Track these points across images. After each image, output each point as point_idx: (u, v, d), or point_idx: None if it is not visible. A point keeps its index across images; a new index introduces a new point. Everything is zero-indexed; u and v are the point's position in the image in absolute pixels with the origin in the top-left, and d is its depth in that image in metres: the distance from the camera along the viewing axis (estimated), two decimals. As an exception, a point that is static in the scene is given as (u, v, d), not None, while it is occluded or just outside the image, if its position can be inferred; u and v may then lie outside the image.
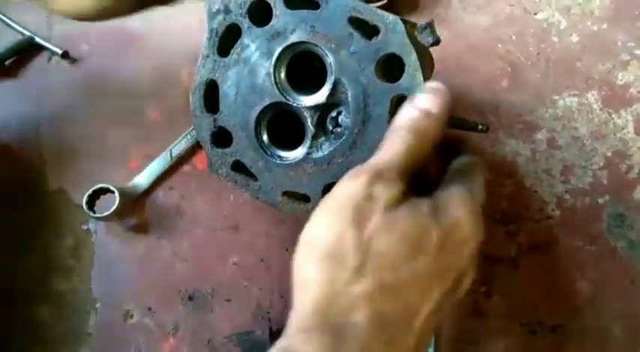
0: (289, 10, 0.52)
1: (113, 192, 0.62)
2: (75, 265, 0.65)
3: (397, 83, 0.49)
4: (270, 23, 0.52)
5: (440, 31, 0.78)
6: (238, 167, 0.57)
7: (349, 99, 0.50)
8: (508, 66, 0.82)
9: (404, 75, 0.49)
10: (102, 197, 0.62)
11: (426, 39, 0.68)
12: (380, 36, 0.49)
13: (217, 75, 0.55)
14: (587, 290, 0.66)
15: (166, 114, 0.72)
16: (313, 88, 0.54)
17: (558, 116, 0.76)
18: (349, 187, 0.42)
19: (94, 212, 0.62)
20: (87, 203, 0.60)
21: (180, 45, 0.81)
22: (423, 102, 0.46)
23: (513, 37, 0.84)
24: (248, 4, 0.53)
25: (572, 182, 0.72)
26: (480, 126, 0.69)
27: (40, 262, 0.65)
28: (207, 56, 0.55)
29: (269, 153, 0.55)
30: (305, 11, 0.51)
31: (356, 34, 0.50)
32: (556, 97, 0.79)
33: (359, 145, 0.51)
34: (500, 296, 0.65)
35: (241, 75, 0.53)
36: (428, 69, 0.54)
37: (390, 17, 0.50)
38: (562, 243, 0.68)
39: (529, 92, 0.79)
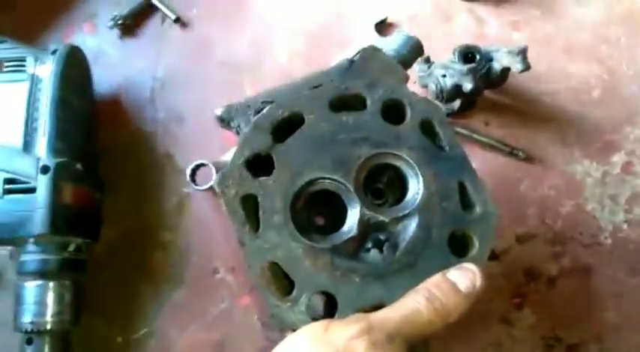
0: (420, 132, 0.53)
1: (210, 167, 0.72)
2: (178, 221, 0.75)
3: (459, 258, 0.51)
4: (400, 126, 0.53)
5: (542, 24, 0.82)
6: (248, 203, 0.52)
7: (406, 239, 0.51)
8: (605, 73, 0.82)
9: (468, 256, 0.51)
10: (202, 168, 0.78)
11: (515, 65, 0.72)
12: (472, 214, 0.52)
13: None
14: (614, 320, 0.71)
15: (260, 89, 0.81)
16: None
17: (643, 138, 0.80)
18: (340, 330, 0.44)
19: (196, 183, 0.78)
20: (190, 176, 0.76)
21: (280, 17, 0.86)
22: (455, 276, 0.49)
23: (622, 39, 0.84)
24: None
25: (635, 212, 0.75)
26: (519, 153, 0.76)
27: (152, 215, 0.75)
28: (320, 98, 0.53)
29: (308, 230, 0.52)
30: (431, 143, 0.53)
31: (457, 197, 0.52)
32: (647, 116, 0.80)
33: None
34: (530, 310, 0.71)
35: (330, 136, 0.52)
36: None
37: (491, 206, 0.53)
38: (604, 271, 0.73)
39: (619, 107, 0.79)
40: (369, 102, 0.54)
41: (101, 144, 0.78)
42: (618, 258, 0.74)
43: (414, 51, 0.66)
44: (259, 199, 0.51)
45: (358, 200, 0.52)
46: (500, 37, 0.83)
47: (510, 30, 0.83)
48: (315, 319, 0.48)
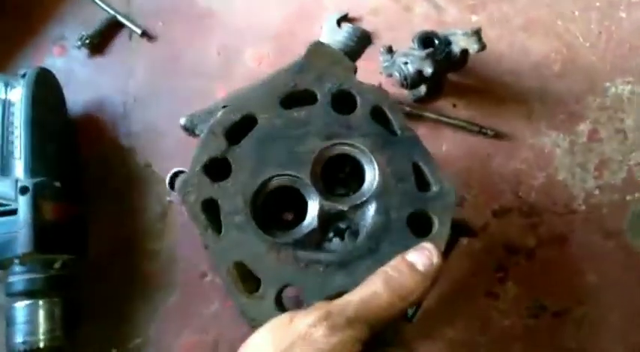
0: (371, 120, 0.53)
1: (188, 173, 0.79)
2: (163, 229, 0.75)
3: (420, 238, 0.51)
4: (350, 116, 0.54)
5: (498, 5, 0.84)
6: (210, 207, 0.52)
7: (366, 224, 0.51)
8: (564, 47, 0.82)
9: (430, 236, 0.51)
10: (181, 175, 0.79)
11: (472, 46, 0.74)
12: (429, 194, 0.52)
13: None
14: (594, 283, 0.73)
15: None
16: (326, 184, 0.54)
17: (606, 105, 0.78)
18: (302, 319, 0.44)
19: (174, 189, 0.80)
20: (169, 183, 0.77)
21: (245, 22, 0.86)
22: (413, 257, 0.48)
23: (576, 13, 0.85)
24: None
25: (605, 177, 0.76)
26: (487, 131, 0.77)
27: (138, 226, 0.75)
28: (270, 95, 0.54)
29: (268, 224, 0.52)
30: (383, 129, 0.53)
31: (413, 178, 0.53)
32: (608, 84, 0.79)
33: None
34: (513, 283, 0.72)
35: (284, 132, 0.53)
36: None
37: (447, 183, 0.53)
38: (580, 238, 0.74)
39: (580, 78, 0.80)
40: (318, 96, 0.54)
41: (82, 160, 0.79)
42: (593, 223, 0.75)
43: (360, 41, 0.67)
44: (219, 202, 0.51)
45: (317, 192, 0.52)
46: (459, 21, 0.83)
47: (469, 14, 0.83)
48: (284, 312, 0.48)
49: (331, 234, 0.53)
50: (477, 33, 0.69)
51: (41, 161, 0.69)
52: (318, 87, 0.55)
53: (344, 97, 0.55)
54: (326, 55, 0.57)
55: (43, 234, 0.65)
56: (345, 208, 0.52)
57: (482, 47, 0.69)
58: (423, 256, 0.48)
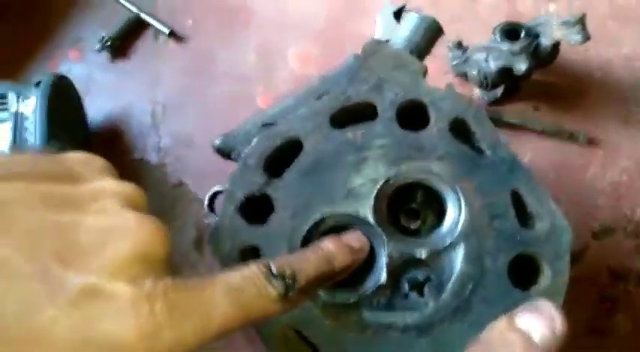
0: (451, 137, 0.42)
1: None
2: (199, 258, 0.65)
3: (533, 292, 0.39)
4: (422, 133, 0.42)
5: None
6: (249, 257, 0.41)
7: (452, 275, 0.40)
8: None
9: (541, 286, 0.40)
10: (221, 195, 0.68)
11: (572, 37, 0.62)
12: (535, 231, 0.40)
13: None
14: None
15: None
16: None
17: None
18: None
19: (215, 212, 0.68)
20: (208, 205, 0.66)
21: (286, 17, 0.76)
22: (526, 321, 0.36)
23: None
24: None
25: None
26: (580, 136, 0.65)
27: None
28: (317, 114, 0.42)
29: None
30: (465, 148, 0.41)
31: (512, 212, 0.40)
32: None
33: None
34: (625, 315, 0.61)
35: (337, 160, 0.42)
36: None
37: (560, 218, 0.40)
38: None
39: None
40: (379, 109, 0.42)
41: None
42: None
43: (429, 34, 0.53)
44: (261, 251, 0.41)
45: (382, 234, 0.40)
46: (534, 11, 0.73)
47: (546, 2, 0.73)
48: None
49: (406, 288, 0.41)
50: (581, 21, 0.57)
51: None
52: (377, 97, 0.43)
53: (412, 109, 0.43)
54: (386, 55, 0.46)
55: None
56: (423, 255, 0.40)
57: (587, 38, 0.58)
58: (540, 321, 0.35)
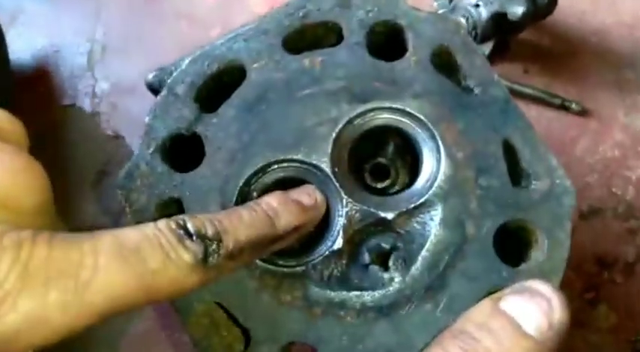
0: (433, 70, 0.33)
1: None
2: None
3: (518, 268, 0.32)
4: (397, 63, 0.33)
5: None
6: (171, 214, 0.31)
7: (424, 243, 0.32)
8: None
9: (534, 263, 0.32)
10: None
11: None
12: (530, 193, 0.32)
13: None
14: None
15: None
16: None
17: None
18: None
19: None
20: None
21: None
22: (514, 306, 0.29)
23: None
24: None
25: None
26: (572, 105, 0.58)
27: (101, 219, 0.58)
28: (265, 32, 0.34)
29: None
30: (450, 84, 0.33)
31: (503, 164, 0.32)
32: None
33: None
34: (607, 307, 0.56)
35: (289, 93, 0.33)
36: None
37: (562, 177, 0.33)
38: None
39: None
40: (345, 31, 0.34)
41: (27, 129, 0.58)
42: None
43: None
44: (185, 204, 0.33)
45: (341, 190, 0.32)
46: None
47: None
48: None
49: (367, 259, 0.33)
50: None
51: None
52: (343, 16, 0.34)
53: (387, 34, 0.35)
54: None
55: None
56: (390, 216, 0.32)
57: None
58: (533, 305, 0.28)
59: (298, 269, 0.32)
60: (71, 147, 0.60)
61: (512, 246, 0.32)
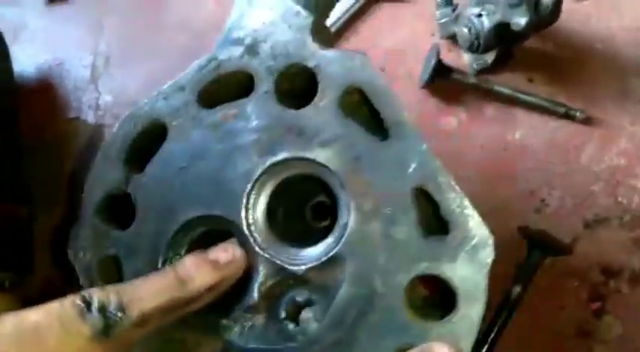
0: (341, 114, 0.32)
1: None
2: None
3: (435, 327, 0.29)
4: (304, 110, 0.32)
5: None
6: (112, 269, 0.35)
7: (340, 299, 0.30)
8: None
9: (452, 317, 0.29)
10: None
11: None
12: (445, 243, 0.30)
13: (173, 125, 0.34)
14: None
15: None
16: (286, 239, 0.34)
17: None
18: None
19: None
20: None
21: None
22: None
23: None
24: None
25: None
26: (577, 113, 0.56)
27: None
28: (182, 89, 0.34)
29: None
30: (359, 130, 0.32)
31: (414, 214, 0.30)
32: None
33: None
34: (615, 317, 0.54)
35: (205, 149, 0.33)
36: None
37: (479, 228, 0.29)
38: None
39: None
40: (255, 80, 0.33)
41: (29, 143, 0.58)
42: None
43: None
44: (121, 262, 0.34)
45: (255, 245, 0.32)
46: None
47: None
48: None
49: (282, 314, 0.32)
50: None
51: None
52: (252, 64, 0.33)
53: (298, 78, 0.34)
54: (270, 8, 0.35)
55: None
56: (300, 271, 0.31)
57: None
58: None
59: (217, 323, 0.32)
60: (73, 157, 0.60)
61: (430, 302, 0.31)
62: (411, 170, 0.30)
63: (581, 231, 0.56)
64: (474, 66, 0.59)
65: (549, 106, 0.58)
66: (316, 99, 0.32)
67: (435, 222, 0.31)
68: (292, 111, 0.32)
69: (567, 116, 0.58)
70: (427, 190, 0.30)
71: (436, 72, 0.56)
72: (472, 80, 0.57)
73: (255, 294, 0.31)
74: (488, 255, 0.29)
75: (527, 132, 0.59)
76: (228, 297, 0.32)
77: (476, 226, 0.29)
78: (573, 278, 0.55)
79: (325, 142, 0.31)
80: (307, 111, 0.32)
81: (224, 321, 0.32)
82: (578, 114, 0.58)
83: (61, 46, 0.64)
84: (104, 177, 0.34)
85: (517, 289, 0.51)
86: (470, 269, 0.29)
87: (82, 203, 0.35)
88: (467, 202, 0.30)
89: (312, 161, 0.31)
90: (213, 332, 0.32)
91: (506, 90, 0.58)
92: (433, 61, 0.55)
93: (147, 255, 0.33)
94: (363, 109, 0.33)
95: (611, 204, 0.57)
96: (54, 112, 0.61)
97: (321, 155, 0.31)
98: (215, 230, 0.33)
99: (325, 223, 0.35)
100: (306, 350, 0.30)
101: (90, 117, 0.61)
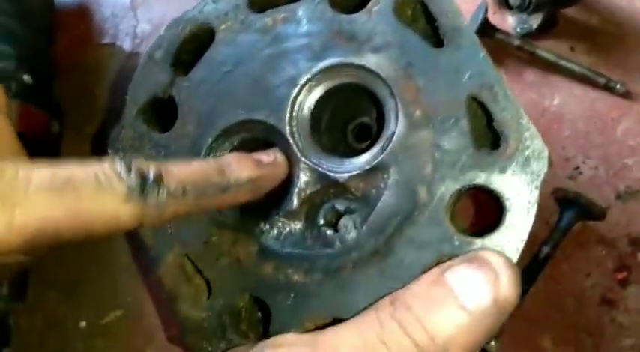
0: (395, 21, 0.31)
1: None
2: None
3: (478, 239, 0.28)
4: (357, 15, 0.31)
5: None
6: None
7: (381, 207, 0.29)
8: None
9: (496, 232, 0.28)
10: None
11: None
12: (496, 156, 0.28)
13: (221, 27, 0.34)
14: None
15: None
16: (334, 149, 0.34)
17: None
18: None
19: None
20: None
21: None
22: (458, 278, 0.26)
23: None
24: None
25: None
26: (617, 86, 0.54)
27: None
28: None
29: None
30: (413, 36, 0.30)
31: (465, 123, 0.29)
32: None
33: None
34: (638, 288, 0.54)
35: (252, 53, 0.32)
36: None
37: (533, 138, 0.28)
38: None
39: None
40: None
41: (63, 65, 0.57)
42: None
43: None
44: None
45: (298, 152, 0.31)
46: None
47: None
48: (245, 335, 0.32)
49: (321, 221, 0.31)
50: None
51: (9, 42, 0.48)
52: None
53: None
54: None
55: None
56: (343, 179, 0.30)
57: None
58: (477, 278, 0.26)
59: (255, 226, 0.31)
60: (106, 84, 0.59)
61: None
62: (466, 78, 0.29)
63: (613, 202, 0.55)
64: (518, 30, 0.58)
65: (590, 76, 0.57)
66: (370, 4, 0.31)
67: (486, 136, 0.29)
68: (344, 16, 0.31)
69: (607, 87, 0.57)
70: (481, 99, 0.28)
71: (482, 30, 0.55)
72: (516, 42, 0.57)
73: (295, 200, 0.30)
74: (542, 167, 0.28)
75: (566, 100, 0.58)
76: (267, 203, 0.31)
77: (531, 137, 0.28)
78: (601, 247, 0.54)
79: (377, 48, 0.30)
80: (360, 16, 0.31)
81: (262, 225, 0.31)
82: (618, 86, 0.57)
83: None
84: (149, 79, 0.34)
85: (546, 249, 0.50)
86: (521, 180, 0.27)
87: (126, 105, 0.34)
88: (522, 112, 0.28)
89: (362, 67, 0.30)
90: (250, 234, 0.31)
91: (548, 56, 0.57)
92: (480, 18, 0.55)
93: (186, 158, 0.32)
94: (420, 22, 0.31)
95: (644, 179, 0.57)
96: (90, 37, 0.60)
97: (371, 60, 0.30)
98: (255, 138, 0.32)
99: (364, 145, 0.34)
100: (344, 256, 0.29)
101: (126, 44, 0.60)
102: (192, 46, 0.34)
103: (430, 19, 0.30)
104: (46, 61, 0.53)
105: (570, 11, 0.60)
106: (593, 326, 0.53)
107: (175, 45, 0.34)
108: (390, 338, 0.25)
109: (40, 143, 0.48)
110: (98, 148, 0.57)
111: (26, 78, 0.47)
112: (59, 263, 0.53)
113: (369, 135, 0.34)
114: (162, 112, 0.34)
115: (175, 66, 0.34)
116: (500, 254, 0.26)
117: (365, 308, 0.28)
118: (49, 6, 0.56)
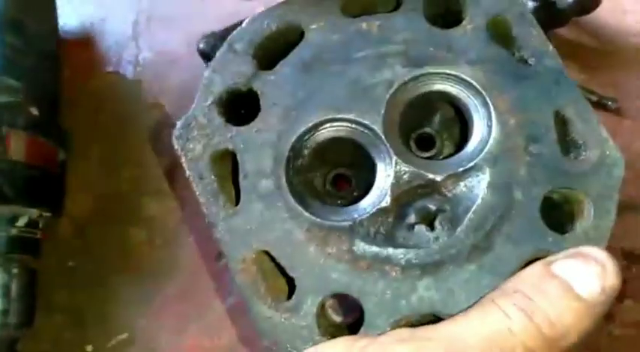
0: (488, 38, 0.34)
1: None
2: (169, 191, 0.57)
3: (570, 236, 0.32)
4: (452, 30, 0.34)
5: None
6: (224, 164, 0.35)
7: (471, 206, 0.32)
8: None
9: (580, 230, 0.32)
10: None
11: None
12: (579, 163, 0.33)
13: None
14: None
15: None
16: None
17: None
18: None
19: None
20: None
21: None
22: (566, 270, 0.29)
23: None
24: None
25: None
26: (609, 103, 0.57)
27: (134, 182, 0.58)
28: None
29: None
30: (506, 53, 0.34)
31: (554, 137, 0.33)
32: None
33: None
34: (635, 302, 0.55)
35: (346, 54, 0.34)
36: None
37: (611, 148, 0.33)
38: None
39: None
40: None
41: (68, 94, 0.58)
42: None
43: None
44: (239, 157, 0.34)
45: (392, 150, 0.32)
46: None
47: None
48: (332, 335, 0.31)
49: (412, 219, 0.33)
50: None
51: (15, 75, 0.49)
52: None
53: (445, 6, 0.36)
54: None
55: (6, 175, 0.45)
56: (439, 178, 0.32)
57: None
58: (586, 268, 0.29)
59: (345, 224, 0.32)
60: (109, 110, 0.61)
61: (554, 218, 0.33)
62: (553, 94, 0.33)
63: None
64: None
65: (584, 92, 0.59)
66: (465, 21, 0.34)
67: (563, 145, 0.33)
68: (440, 30, 0.34)
69: (599, 104, 0.59)
70: (564, 113, 0.33)
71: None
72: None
73: (388, 197, 0.32)
74: (620, 172, 0.33)
75: (559, 117, 0.60)
76: (356, 199, 0.34)
77: (610, 148, 0.33)
78: (596, 261, 0.56)
79: (473, 61, 0.33)
80: (456, 32, 0.34)
81: (352, 222, 0.32)
82: (610, 103, 0.59)
83: (106, 1, 0.65)
84: (228, 70, 0.34)
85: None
86: (603, 183, 0.33)
87: (200, 93, 0.35)
88: (602, 127, 0.33)
89: (457, 77, 0.33)
90: (341, 231, 0.32)
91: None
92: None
93: (269, 152, 0.33)
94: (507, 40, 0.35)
95: (638, 192, 0.58)
96: (93, 66, 0.62)
97: (468, 72, 0.33)
98: (341, 138, 0.34)
99: (427, 154, 0.37)
100: (442, 253, 0.31)
101: (129, 72, 0.62)
102: (276, 41, 0.35)
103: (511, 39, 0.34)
104: (53, 91, 0.54)
105: (562, 31, 0.61)
106: (589, 340, 0.54)
107: (259, 38, 0.35)
108: (517, 326, 0.27)
109: (46, 171, 0.49)
110: (103, 173, 0.59)
111: (33, 110, 0.48)
112: (65, 287, 0.54)
113: (432, 145, 0.37)
114: (238, 104, 0.35)
115: (257, 59, 0.35)
116: (600, 249, 0.30)
117: (469, 304, 0.30)
118: (56, 37, 0.57)
